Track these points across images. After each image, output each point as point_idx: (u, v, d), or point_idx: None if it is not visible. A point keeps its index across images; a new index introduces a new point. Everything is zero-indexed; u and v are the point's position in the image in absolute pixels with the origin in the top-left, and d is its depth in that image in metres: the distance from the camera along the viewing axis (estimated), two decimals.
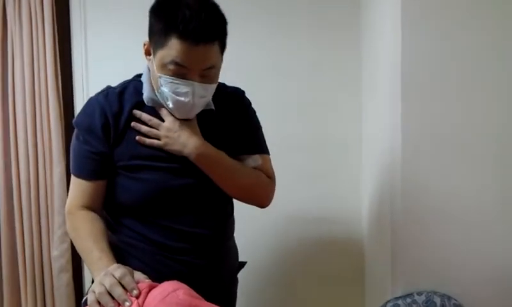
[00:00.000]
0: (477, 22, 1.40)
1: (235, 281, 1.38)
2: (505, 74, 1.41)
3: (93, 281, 1.08)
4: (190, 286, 0.99)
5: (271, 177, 1.31)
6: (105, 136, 1.15)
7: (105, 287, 0.96)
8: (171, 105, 1.13)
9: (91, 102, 1.20)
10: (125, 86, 1.22)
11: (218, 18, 1.10)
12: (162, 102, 1.16)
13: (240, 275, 1.39)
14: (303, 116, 1.93)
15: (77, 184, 1.19)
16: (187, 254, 1.18)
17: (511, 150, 1.43)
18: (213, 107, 1.22)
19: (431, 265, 1.45)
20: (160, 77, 1.10)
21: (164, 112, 1.18)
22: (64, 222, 1.89)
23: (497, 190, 1.43)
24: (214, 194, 1.22)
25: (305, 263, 1.96)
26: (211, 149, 1.19)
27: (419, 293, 1.42)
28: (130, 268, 1.03)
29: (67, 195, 1.24)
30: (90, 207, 1.18)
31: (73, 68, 2.01)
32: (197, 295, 0.97)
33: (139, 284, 0.98)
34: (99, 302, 0.96)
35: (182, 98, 1.10)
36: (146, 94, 1.18)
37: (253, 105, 1.33)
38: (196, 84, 1.09)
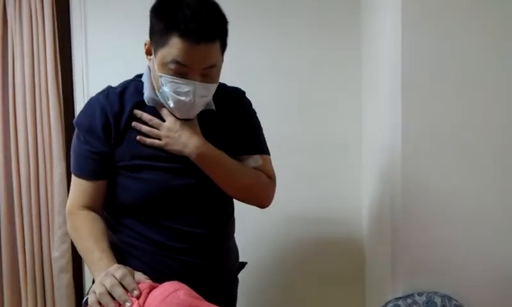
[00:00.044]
0: (477, 22, 1.40)
1: (236, 281, 1.38)
2: (505, 74, 1.41)
3: (93, 282, 1.08)
4: (190, 286, 0.99)
5: (271, 177, 1.31)
6: (105, 136, 1.15)
7: (105, 287, 0.96)
8: (172, 105, 1.13)
9: (91, 102, 1.20)
10: (125, 85, 1.22)
11: (219, 17, 1.10)
12: (163, 101, 1.16)
13: (241, 275, 1.40)
14: (303, 116, 1.93)
15: (78, 184, 1.19)
16: (188, 254, 1.18)
17: (511, 150, 1.43)
18: (213, 108, 1.22)
19: (431, 265, 1.45)
20: (161, 77, 1.10)
21: (164, 112, 1.18)
22: (64, 223, 1.89)
23: (497, 190, 1.43)
24: (215, 194, 1.22)
25: (305, 263, 1.96)
26: (212, 150, 1.19)
27: (420, 294, 1.42)
28: (130, 269, 1.03)
29: (67, 195, 1.24)
30: (91, 207, 1.18)
31: (73, 67, 2.00)
32: (197, 296, 0.97)
33: (140, 285, 0.98)
34: (100, 303, 0.96)
35: (183, 98, 1.10)
36: (146, 94, 1.18)
37: (253, 105, 1.33)
38: (197, 83, 1.09)
